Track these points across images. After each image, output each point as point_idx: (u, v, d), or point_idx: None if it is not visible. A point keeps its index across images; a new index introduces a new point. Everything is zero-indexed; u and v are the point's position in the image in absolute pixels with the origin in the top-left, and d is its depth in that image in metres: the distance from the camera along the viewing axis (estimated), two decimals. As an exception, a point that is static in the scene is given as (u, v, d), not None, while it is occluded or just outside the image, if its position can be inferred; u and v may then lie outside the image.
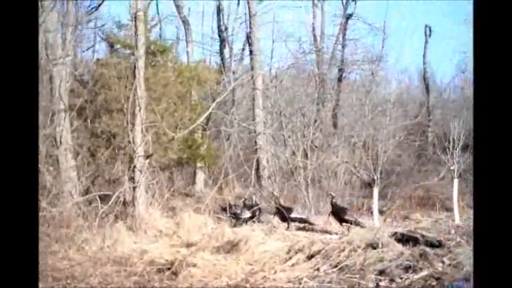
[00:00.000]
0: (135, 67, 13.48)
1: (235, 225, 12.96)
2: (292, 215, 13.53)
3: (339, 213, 13.12)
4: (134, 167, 13.06)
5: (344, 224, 12.76)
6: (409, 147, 23.41)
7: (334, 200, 13.53)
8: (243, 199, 15.03)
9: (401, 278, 8.06)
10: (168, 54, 19.13)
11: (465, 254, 8.69)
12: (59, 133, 13.57)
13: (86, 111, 16.19)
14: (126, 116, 13.51)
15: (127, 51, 17.75)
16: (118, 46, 18.49)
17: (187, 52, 22.45)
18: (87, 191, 14.11)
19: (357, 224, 12.70)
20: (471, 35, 4.81)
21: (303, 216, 13.87)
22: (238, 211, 14.01)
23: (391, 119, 20.45)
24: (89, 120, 16.40)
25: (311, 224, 13.44)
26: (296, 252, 9.48)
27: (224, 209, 14.44)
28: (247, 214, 13.86)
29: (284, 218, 13.41)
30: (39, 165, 11.60)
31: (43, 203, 11.29)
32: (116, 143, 15.70)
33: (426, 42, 31.16)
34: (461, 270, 7.93)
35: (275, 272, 8.75)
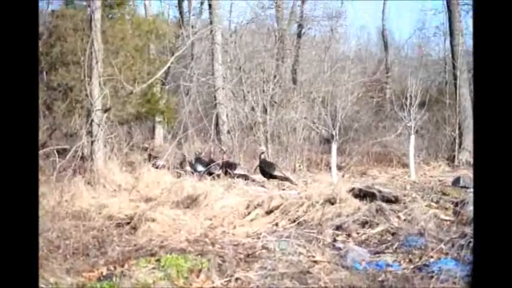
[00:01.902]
0: (91, 19, 13.18)
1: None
2: (236, 171, 13.67)
3: (267, 169, 13.31)
4: (92, 121, 12.90)
5: (272, 179, 12.96)
6: (367, 104, 23.66)
7: (263, 156, 13.77)
8: (195, 153, 15.09)
9: (358, 233, 8.19)
10: (125, 6, 18.76)
11: (420, 210, 8.87)
12: (14, 85, 13.28)
13: (42, 64, 15.88)
14: (82, 69, 13.29)
15: (83, 3, 17.39)
16: (74, -3, 18.09)
17: (144, 5, 22.12)
18: (44, 145, 13.91)
19: (286, 179, 12.99)
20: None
21: (246, 173, 13.95)
22: (194, 166, 14.13)
23: (350, 75, 20.52)
24: (44, 73, 16.10)
25: (252, 180, 13.55)
26: (255, 207, 9.53)
27: (182, 164, 14.48)
28: (200, 168, 13.98)
29: (227, 173, 13.57)
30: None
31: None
32: (72, 96, 15.49)
33: (385, -1, 31.20)
34: (416, 226, 8.09)
35: (234, 227, 8.81)
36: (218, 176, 13.47)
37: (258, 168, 13.70)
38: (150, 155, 15.33)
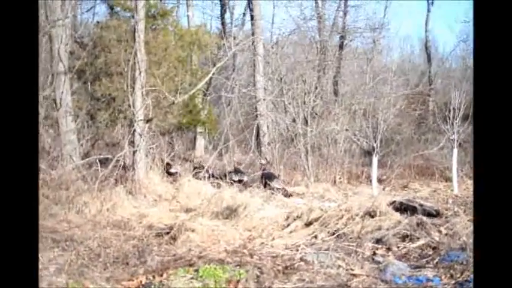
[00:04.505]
0: (135, 30, 13.35)
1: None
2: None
3: (267, 180, 13.80)
4: (134, 131, 13.04)
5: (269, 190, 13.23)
6: (409, 116, 23.38)
7: (264, 167, 14.76)
8: (236, 165, 15.22)
9: (398, 247, 8.09)
10: (169, 17, 18.95)
11: (462, 224, 8.72)
12: (59, 95, 13.51)
13: (86, 74, 16.16)
14: (126, 80, 13.45)
15: (127, 14, 17.61)
16: (118, 9, 18.32)
17: (187, 16, 22.26)
18: (87, 154, 14.13)
19: (284, 191, 13.50)
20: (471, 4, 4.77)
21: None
22: (234, 177, 14.26)
23: (392, 87, 20.34)
24: (88, 83, 16.37)
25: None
26: (294, 219, 9.50)
27: (222, 175, 14.55)
28: (240, 179, 14.15)
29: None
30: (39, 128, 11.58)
31: (42, 165, 11.30)
32: (115, 107, 15.69)
33: (429, 10, 30.94)
34: (458, 240, 7.96)
35: (273, 239, 8.79)
36: (258, 187, 13.50)
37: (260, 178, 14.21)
38: (195, 167, 15.39)
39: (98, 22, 19.25)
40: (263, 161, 15.72)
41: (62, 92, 13.58)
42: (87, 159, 13.40)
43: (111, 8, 18.82)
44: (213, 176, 14.32)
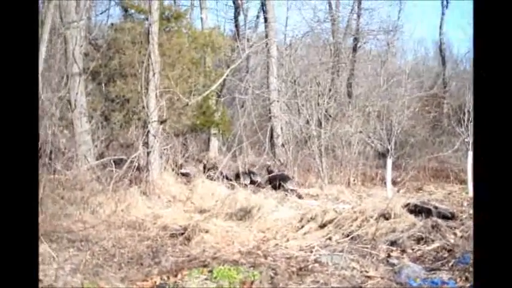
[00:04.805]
0: (149, 32, 13.39)
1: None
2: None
3: (281, 181, 13.99)
4: (148, 132, 13.07)
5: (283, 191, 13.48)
6: (423, 119, 23.26)
7: (270, 169, 14.98)
8: (249, 166, 15.28)
9: (413, 249, 8.04)
10: (182, 20, 19.03)
11: (478, 227, 8.66)
12: (74, 96, 13.58)
13: (100, 75, 16.24)
14: (140, 81, 13.50)
15: (141, 16, 17.69)
16: (132, 11, 18.42)
17: (201, 18, 22.29)
18: (101, 155, 14.18)
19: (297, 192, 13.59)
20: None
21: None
22: (248, 178, 14.30)
23: (406, 89, 20.23)
24: (103, 85, 16.45)
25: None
26: (308, 221, 9.48)
27: (236, 176, 14.58)
28: (254, 181, 14.21)
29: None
30: (53, 127, 11.63)
31: (57, 166, 11.35)
32: (130, 108, 15.75)
33: (443, 13, 30.81)
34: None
35: (287, 240, 8.78)
36: (271, 188, 13.51)
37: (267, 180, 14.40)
38: (204, 167, 15.47)
39: (112, 24, 19.35)
40: (278, 162, 15.74)
41: (77, 93, 13.65)
42: (101, 160, 13.44)
43: (125, 10, 18.92)
44: (226, 177, 14.34)
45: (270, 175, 14.79)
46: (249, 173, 14.83)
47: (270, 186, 14.04)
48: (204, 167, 15.68)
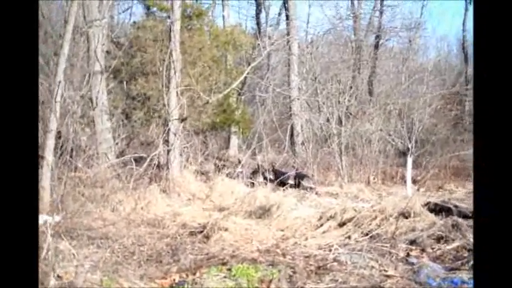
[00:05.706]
0: (170, 30, 13.44)
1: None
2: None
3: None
4: (169, 130, 13.12)
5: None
6: (445, 117, 23.06)
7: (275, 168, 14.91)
8: (269, 164, 15.26)
9: (433, 248, 7.99)
10: (204, 18, 19.07)
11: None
12: (95, 94, 13.67)
13: (122, 74, 16.32)
14: (161, 79, 13.56)
15: (163, 14, 17.76)
16: (154, 9, 18.51)
17: (223, 16, 22.40)
18: (122, 153, 14.27)
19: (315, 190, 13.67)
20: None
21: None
22: (267, 176, 14.31)
23: (428, 87, 20.11)
24: (124, 83, 16.53)
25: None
26: (327, 220, 9.45)
27: (255, 174, 14.58)
28: (273, 179, 14.24)
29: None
30: (75, 125, 11.73)
31: (79, 163, 11.44)
32: (150, 106, 15.82)
33: (466, 9, 30.50)
34: (494, 242, 7.84)
35: (306, 239, 8.76)
36: (291, 186, 13.50)
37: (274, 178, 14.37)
38: (224, 165, 15.52)
39: (134, 22, 19.49)
40: (298, 160, 15.75)
41: (98, 91, 13.74)
42: (122, 157, 13.51)
43: (148, 8, 19.02)
44: (246, 175, 14.36)
45: (290, 173, 14.77)
46: (271, 171, 14.83)
47: (289, 184, 14.03)
48: (228, 167, 15.69)
